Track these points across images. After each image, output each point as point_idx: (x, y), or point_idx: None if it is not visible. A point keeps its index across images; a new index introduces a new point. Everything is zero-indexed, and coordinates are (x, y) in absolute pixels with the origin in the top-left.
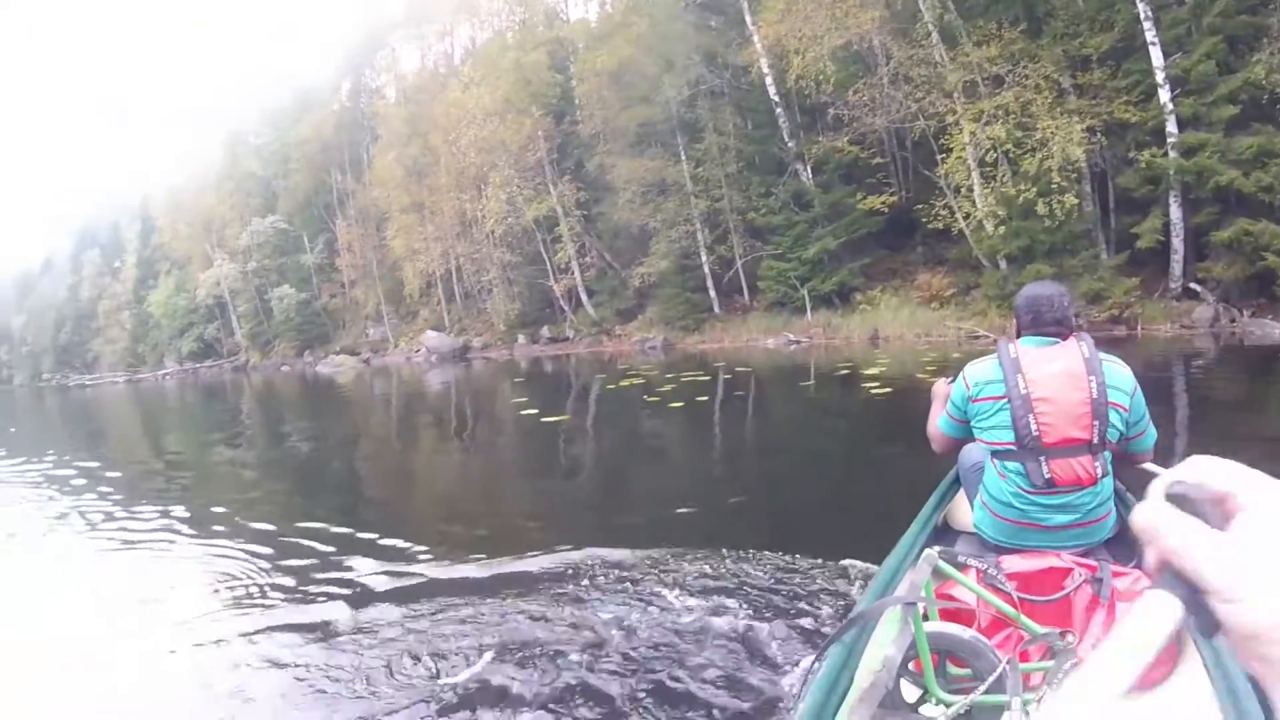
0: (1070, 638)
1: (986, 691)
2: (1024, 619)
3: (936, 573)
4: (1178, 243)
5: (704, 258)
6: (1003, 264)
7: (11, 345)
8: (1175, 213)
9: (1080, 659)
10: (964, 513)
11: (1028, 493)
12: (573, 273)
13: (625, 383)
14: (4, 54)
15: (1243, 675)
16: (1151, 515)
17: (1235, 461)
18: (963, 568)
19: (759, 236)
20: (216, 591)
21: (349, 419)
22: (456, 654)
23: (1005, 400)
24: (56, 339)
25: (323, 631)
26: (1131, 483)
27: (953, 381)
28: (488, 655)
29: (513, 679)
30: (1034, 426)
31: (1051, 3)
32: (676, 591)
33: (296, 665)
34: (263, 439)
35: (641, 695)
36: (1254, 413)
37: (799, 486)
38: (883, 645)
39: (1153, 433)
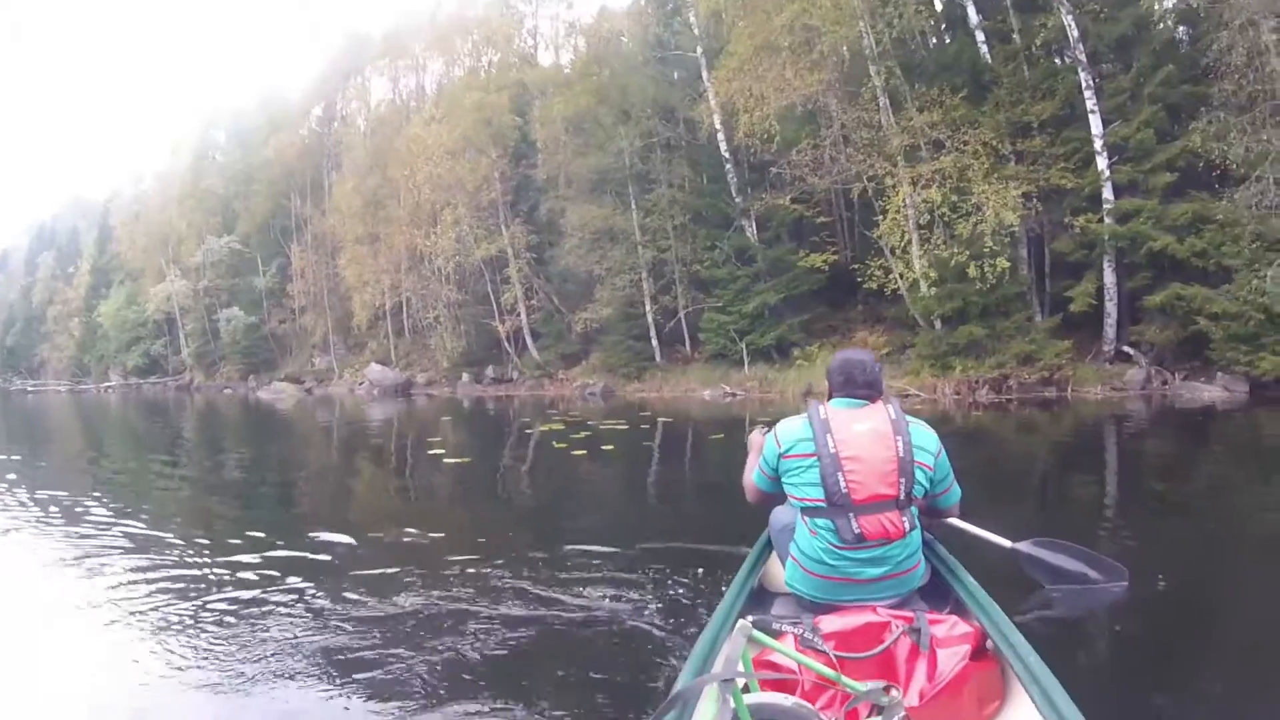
0: (895, 691)
1: None
2: (844, 679)
3: (753, 641)
4: (1111, 306)
5: (648, 307)
6: (938, 324)
7: None
8: (1109, 277)
9: (906, 711)
10: (779, 573)
11: (838, 548)
12: (519, 314)
13: (545, 427)
14: None
15: (1073, 705)
16: None
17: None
18: (779, 634)
19: (703, 288)
20: (134, 592)
21: (279, 447)
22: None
23: (815, 458)
24: (4, 340)
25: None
26: (940, 534)
27: (767, 433)
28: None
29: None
30: (843, 484)
31: (996, 70)
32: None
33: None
34: (199, 458)
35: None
36: (1180, 477)
37: (644, 522)
38: None
39: (957, 490)
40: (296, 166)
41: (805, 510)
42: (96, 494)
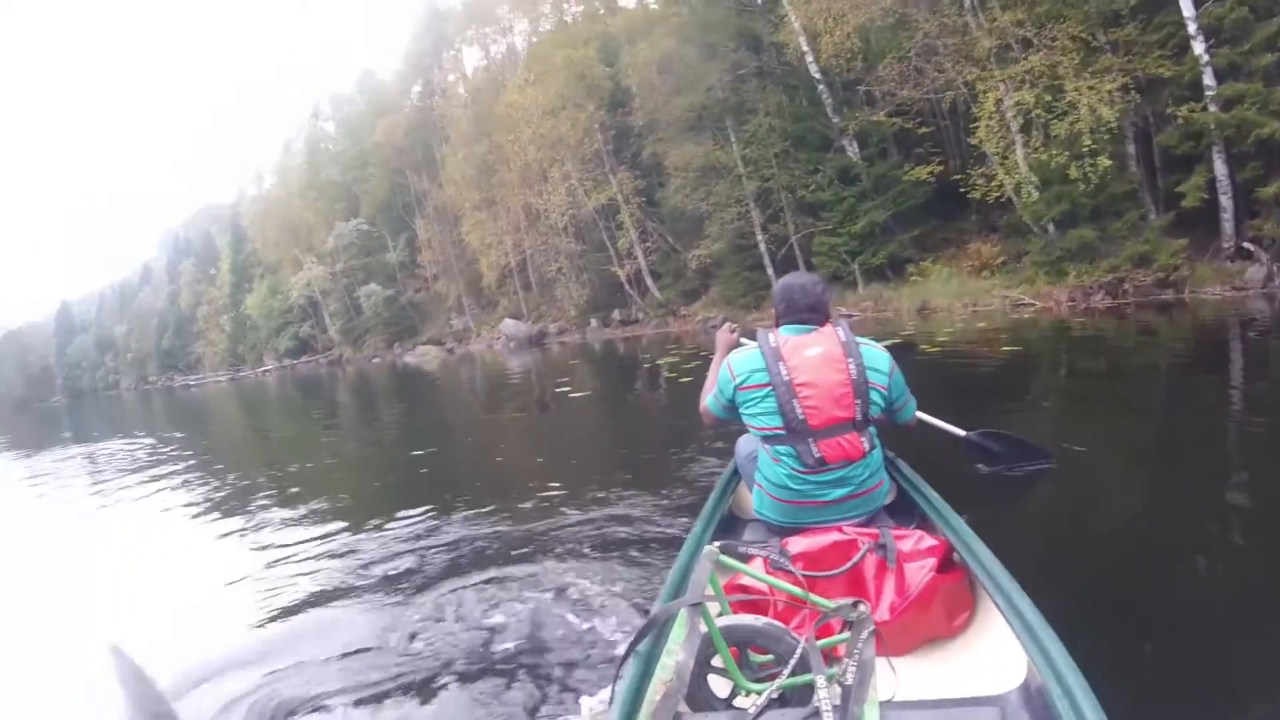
0: (863, 606)
1: (792, 673)
2: (814, 597)
3: (721, 567)
4: (1226, 200)
5: (759, 236)
6: (1050, 229)
7: (116, 352)
8: (1220, 169)
9: (877, 624)
10: (748, 501)
11: (801, 473)
12: (636, 257)
13: (663, 360)
14: (93, 78)
15: (1037, 611)
16: None
17: None
18: (748, 558)
19: (811, 213)
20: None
21: (428, 400)
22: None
23: (770, 388)
24: (159, 344)
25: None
26: (902, 449)
27: (736, 331)
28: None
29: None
30: (799, 410)
31: None
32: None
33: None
34: (360, 414)
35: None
36: None
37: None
38: (672, 652)
39: (913, 404)
40: (405, 145)
41: (766, 439)
42: (274, 453)
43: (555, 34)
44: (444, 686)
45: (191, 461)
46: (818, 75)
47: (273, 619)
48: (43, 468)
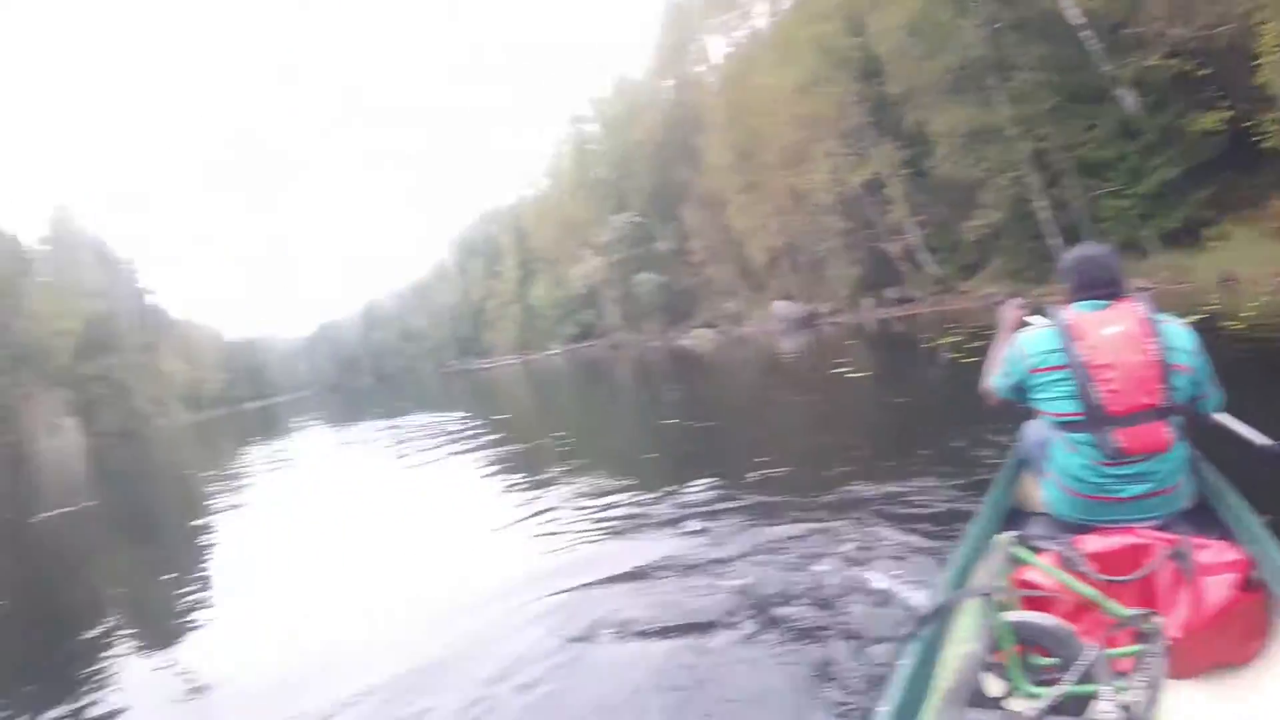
0: (1157, 619)
1: (1078, 681)
2: (1108, 602)
3: (1012, 559)
4: None
5: (1040, 203)
6: None
7: (416, 340)
8: None
9: (1169, 641)
10: (1032, 492)
11: (1099, 465)
12: (906, 232)
13: (943, 340)
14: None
15: None
16: None
17: None
18: (1039, 552)
19: (1094, 174)
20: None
21: (706, 379)
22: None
23: (1067, 369)
24: (455, 332)
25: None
26: (1208, 448)
27: (1024, 308)
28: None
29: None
30: (1098, 394)
31: None
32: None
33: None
34: (637, 398)
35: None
36: None
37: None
38: (963, 641)
39: (1219, 393)
40: (665, 138)
41: (1061, 425)
42: (568, 425)
43: (797, 11)
44: (732, 629)
45: (500, 432)
46: (1082, 18)
47: (573, 552)
48: (375, 435)
